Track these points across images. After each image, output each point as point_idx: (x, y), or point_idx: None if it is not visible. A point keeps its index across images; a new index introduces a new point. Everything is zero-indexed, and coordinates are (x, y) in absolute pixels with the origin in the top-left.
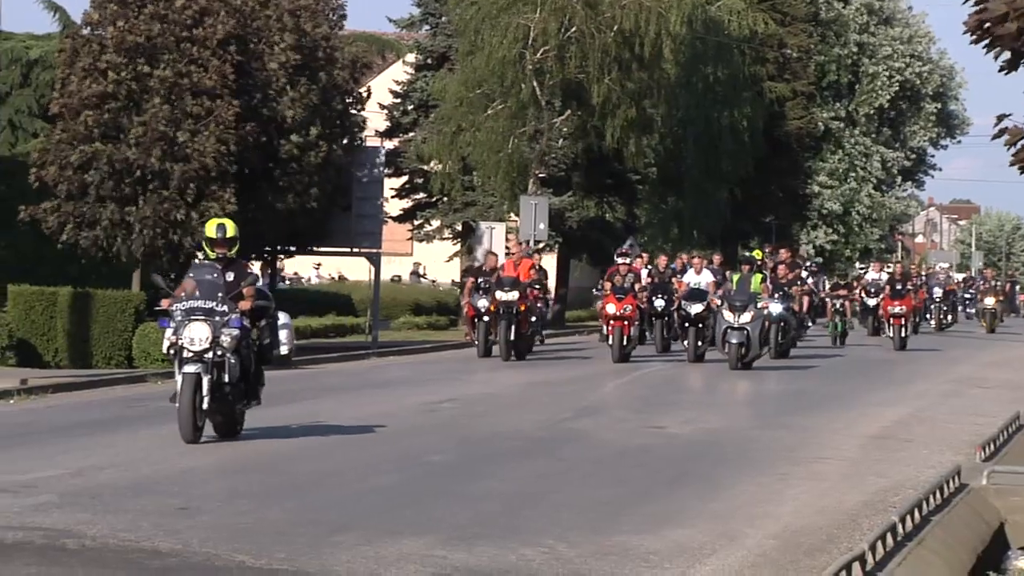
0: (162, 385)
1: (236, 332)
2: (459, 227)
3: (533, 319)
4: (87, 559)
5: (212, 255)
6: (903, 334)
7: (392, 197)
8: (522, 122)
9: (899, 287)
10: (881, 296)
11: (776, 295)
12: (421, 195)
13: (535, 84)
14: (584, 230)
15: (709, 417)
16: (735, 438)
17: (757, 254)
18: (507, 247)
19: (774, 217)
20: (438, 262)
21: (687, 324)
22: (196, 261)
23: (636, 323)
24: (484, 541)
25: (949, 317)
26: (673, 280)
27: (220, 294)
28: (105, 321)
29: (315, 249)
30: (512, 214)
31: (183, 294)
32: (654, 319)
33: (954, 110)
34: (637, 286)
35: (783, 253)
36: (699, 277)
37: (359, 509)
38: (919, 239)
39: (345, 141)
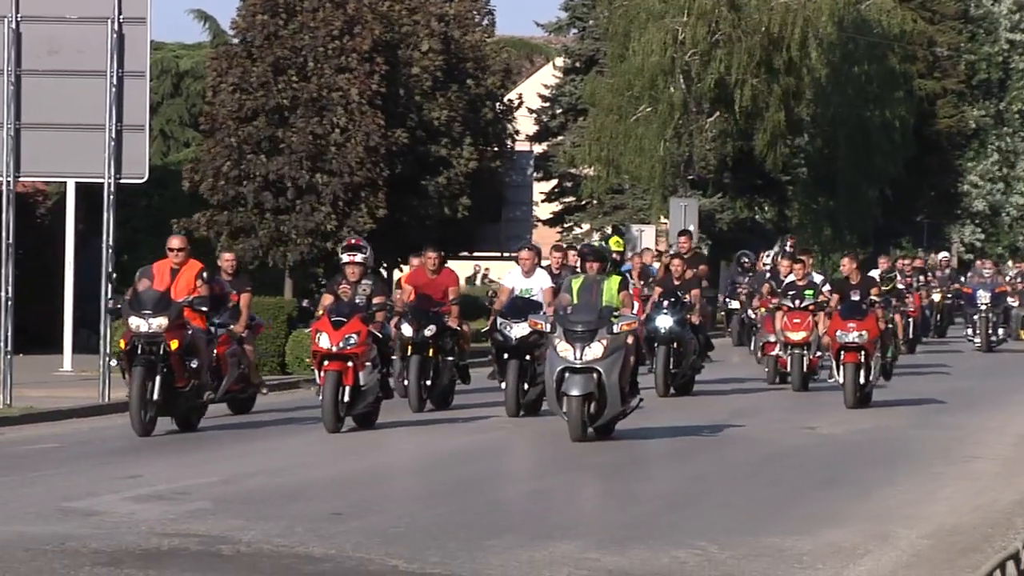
0: (315, 391)
1: None
2: (608, 230)
3: (243, 366)
4: (242, 564)
5: None
6: (863, 378)
7: (541, 201)
8: (671, 125)
9: (855, 299)
10: (829, 311)
11: (666, 303)
12: (570, 199)
13: (683, 87)
14: (734, 232)
15: (861, 418)
16: (887, 438)
17: (615, 244)
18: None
19: (925, 216)
20: None
21: (506, 355)
22: None
23: (371, 364)
24: (637, 543)
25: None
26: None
27: None
28: None
29: (465, 254)
30: (662, 217)
31: None
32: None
33: None
34: (378, 300)
35: (682, 241)
36: (528, 281)
37: (513, 513)
38: None
39: (496, 148)
